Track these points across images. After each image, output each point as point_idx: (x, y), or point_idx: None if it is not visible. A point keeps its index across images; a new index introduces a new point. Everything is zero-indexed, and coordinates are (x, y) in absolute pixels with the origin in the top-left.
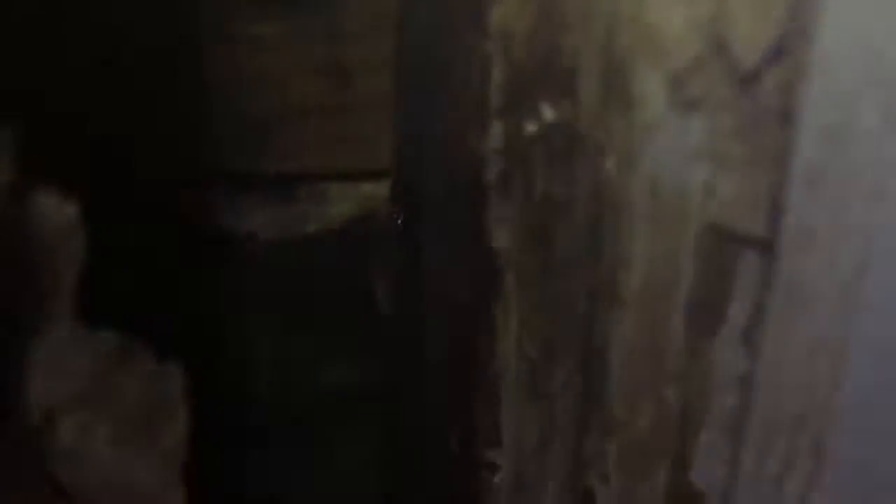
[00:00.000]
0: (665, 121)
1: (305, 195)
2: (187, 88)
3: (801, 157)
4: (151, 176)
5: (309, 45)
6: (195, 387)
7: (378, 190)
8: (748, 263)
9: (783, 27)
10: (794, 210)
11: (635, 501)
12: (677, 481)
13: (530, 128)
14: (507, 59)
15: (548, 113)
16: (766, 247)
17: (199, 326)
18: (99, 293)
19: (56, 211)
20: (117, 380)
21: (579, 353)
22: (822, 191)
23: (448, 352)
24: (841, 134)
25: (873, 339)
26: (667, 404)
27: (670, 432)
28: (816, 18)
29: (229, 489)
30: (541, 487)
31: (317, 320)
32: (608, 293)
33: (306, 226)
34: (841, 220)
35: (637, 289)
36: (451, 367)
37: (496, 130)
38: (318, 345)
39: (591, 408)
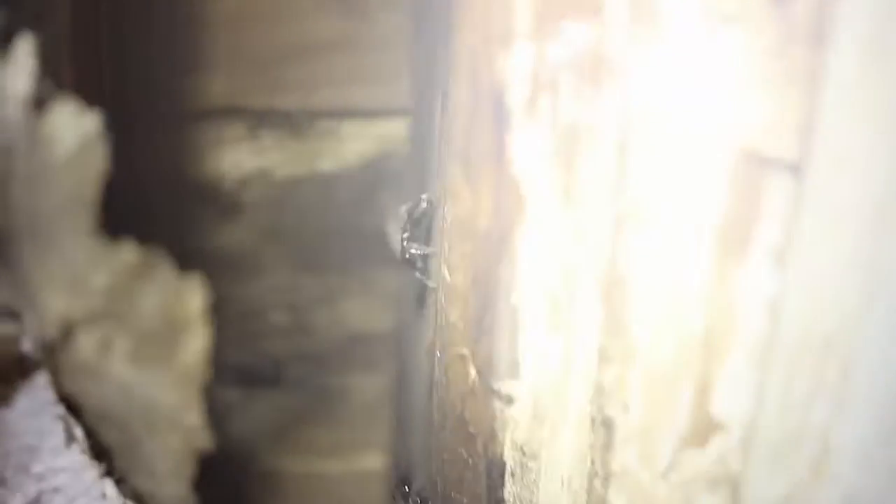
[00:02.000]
0: (696, 39)
1: (320, 133)
2: (202, 23)
3: (834, 76)
4: (167, 110)
5: None
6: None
7: (394, 129)
8: (779, 185)
9: None
10: (826, 130)
11: (656, 431)
12: (700, 411)
13: (556, 51)
14: None
15: (574, 35)
16: (798, 168)
17: (214, 264)
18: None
19: (76, 122)
20: (137, 294)
21: (602, 282)
22: (856, 110)
23: (470, 282)
24: (875, 52)
25: None
26: (691, 331)
27: (694, 360)
28: None
29: (242, 427)
30: (560, 419)
31: (331, 259)
32: (635, 217)
33: (321, 164)
34: (874, 139)
35: (665, 211)
36: (471, 298)
37: (522, 54)
38: (332, 283)
39: (613, 337)
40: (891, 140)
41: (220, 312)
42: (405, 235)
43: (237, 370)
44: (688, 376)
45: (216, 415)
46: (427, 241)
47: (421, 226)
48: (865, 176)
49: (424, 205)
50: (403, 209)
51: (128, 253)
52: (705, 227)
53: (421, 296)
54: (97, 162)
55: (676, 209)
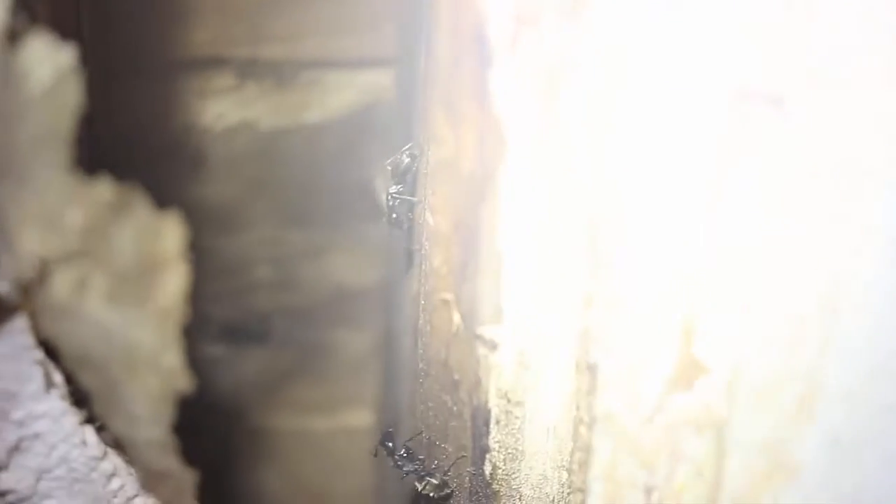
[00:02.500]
0: None
1: (305, 83)
2: None
3: None
4: (149, 58)
5: None
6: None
7: (380, 79)
8: (763, 119)
9: None
10: None
11: (640, 373)
12: (684, 354)
13: None
14: None
15: None
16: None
17: (197, 217)
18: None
19: (51, 56)
20: (113, 233)
21: (587, 223)
22: None
23: (452, 226)
24: None
25: None
26: (677, 273)
27: (679, 303)
28: None
29: (228, 383)
30: (544, 365)
31: (317, 212)
32: (619, 155)
33: (306, 115)
34: None
35: (651, 149)
36: (454, 242)
37: None
38: (318, 237)
39: (598, 279)
40: None
41: (204, 267)
42: (390, 192)
43: (223, 326)
44: (673, 319)
45: (202, 371)
46: (412, 195)
47: (406, 181)
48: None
49: (407, 159)
50: (387, 165)
51: (104, 190)
52: (692, 164)
53: (410, 253)
54: (73, 96)
55: (662, 145)
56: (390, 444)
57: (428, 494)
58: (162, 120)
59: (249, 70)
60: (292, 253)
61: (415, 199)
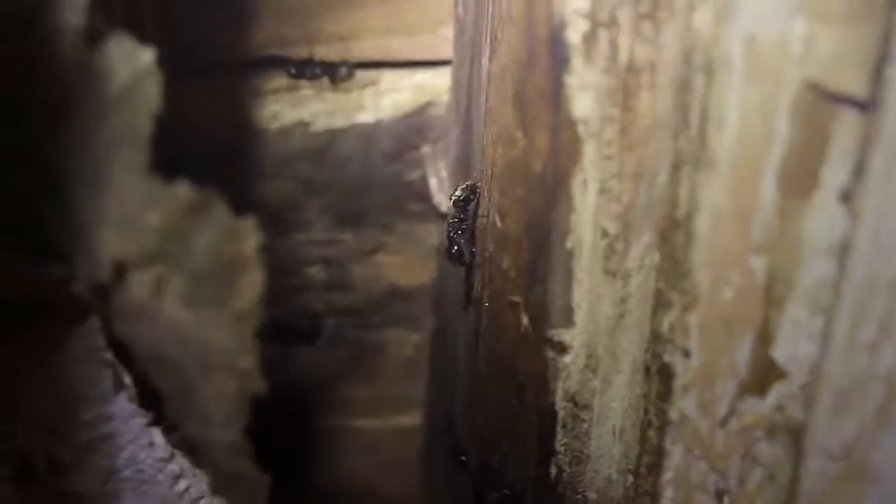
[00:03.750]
0: None
1: (360, 83)
2: None
3: None
4: (207, 58)
5: None
6: None
7: (435, 79)
8: (848, 122)
9: None
10: None
11: (715, 376)
12: (760, 357)
13: None
14: None
15: None
16: (868, 104)
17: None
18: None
19: (130, 56)
20: (191, 235)
21: (659, 226)
22: None
23: (522, 228)
24: None
25: None
26: (753, 275)
27: (755, 305)
28: None
29: (281, 382)
30: (613, 367)
31: (370, 212)
32: (696, 157)
33: (361, 115)
34: None
35: (728, 151)
36: (524, 244)
37: None
38: (371, 237)
39: (671, 281)
40: None
41: None
42: (450, 228)
43: (274, 326)
44: (749, 322)
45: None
46: (472, 231)
47: (466, 214)
48: None
49: (467, 192)
50: (449, 198)
51: (182, 192)
52: (769, 167)
53: (470, 287)
54: (151, 98)
55: (739, 150)
56: (464, 458)
57: None
58: (219, 120)
59: (304, 70)
60: (345, 253)
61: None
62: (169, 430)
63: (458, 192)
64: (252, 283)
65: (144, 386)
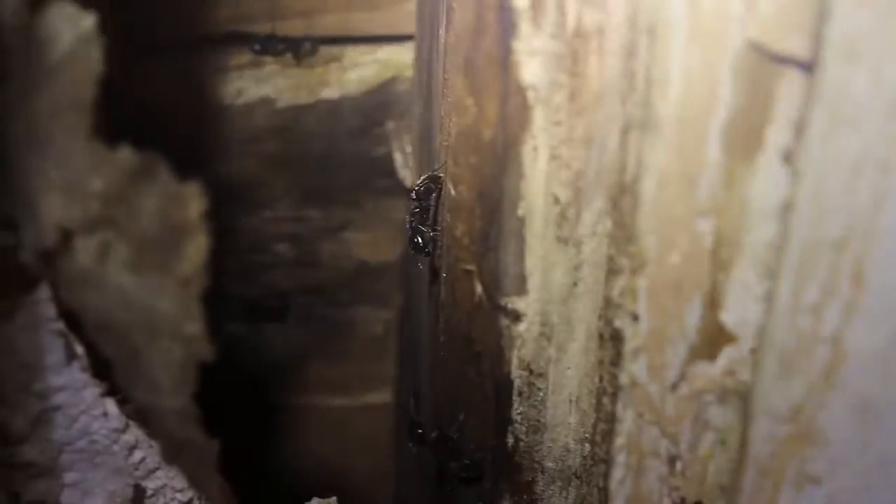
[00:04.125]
0: None
1: (324, 59)
2: None
3: None
4: (169, 34)
5: None
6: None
7: (399, 54)
8: (789, 83)
9: None
10: (838, 22)
11: (664, 341)
12: (709, 321)
13: None
14: None
15: None
16: (809, 65)
17: (215, 194)
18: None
19: (73, 22)
20: (135, 200)
21: (610, 191)
22: (870, 4)
23: (475, 196)
24: None
25: None
26: (700, 238)
27: (703, 269)
28: None
29: (248, 360)
30: (568, 335)
31: (336, 189)
32: (642, 121)
33: (325, 91)
34: (889, 34)
35: (673, 113)
36: (477, 212)
37: None
38: (337, 214)
39: (620, 246)
40: None
41: (223, 245)
42: (412, 218)
43: (242, 303)
44: (697, 286)
45: (221, 349)
46: (434, 221)
47: (428, 205)
48: (879, 73)
49: (428, 182)
50: (412, 189)
51: (125, 157)
52: (714, 130)
53: (435, 274)
54: (94, 63)
55: (684, 112)
56: (420, 432)
57: (459, 475)
58: (182, 96)
59: (268, 46)
60: (311, 230)
61: (437, 228)
62: (122, 402)
63: (419, 182)
64: (197, 249)
65: (95, 355)
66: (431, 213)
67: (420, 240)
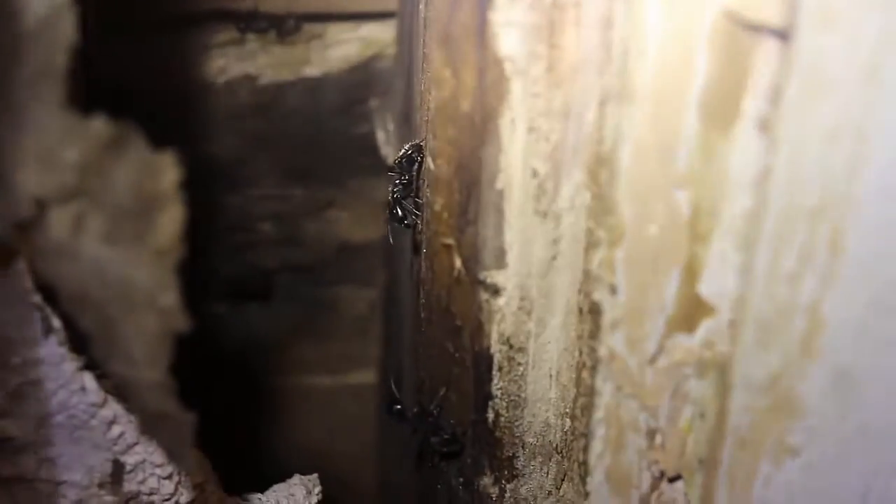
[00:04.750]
0: None
1: (307, 36)
2: None
3: None
4: (151, 11)
5: None
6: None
7: (381, 31)
8: (765, 51)
9: None
10: None
11: (643, 314)
12: (687, 292)
13: None
14: None
15: None
16: (784, 33)
17: (198, 173)
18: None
19: None
20: (109, 170)
21: (588, 164)
22: None
23: (454, 169)
24: None
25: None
26: (677, 209)
27: (680, 240)
28: None
29: (232, 340)
30: (548, 309)
31: (319, 167)
32: (619, 91)
33: (307, 68)
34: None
35: (649, 83)
36: (455, 185)
37: None
38: (321, 192)
39: (599, 219)
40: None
41: (205, 224)
42: (394, 189)
43: (226, 283)
44: (675, 257)
45: (206, 329)
46: (416, 193)
47: (410, 177)
48: (854, 40)
49: (410, 152)
50: (393, 163)
51: (99, 126)
52: (690, 100)
53: (417, 247)
54: (67, 31)
55: (660, 82)
56: (398, 407)
57: (439, 450)
58: (165, 73)
59: (252, 23)
60: (295, 209)
61: (419, 199)
62: (101, 377)
63: (401, 153)
64: (172, 219)
65: (73, 329)
66: (414, 184)
67: (400, 211)
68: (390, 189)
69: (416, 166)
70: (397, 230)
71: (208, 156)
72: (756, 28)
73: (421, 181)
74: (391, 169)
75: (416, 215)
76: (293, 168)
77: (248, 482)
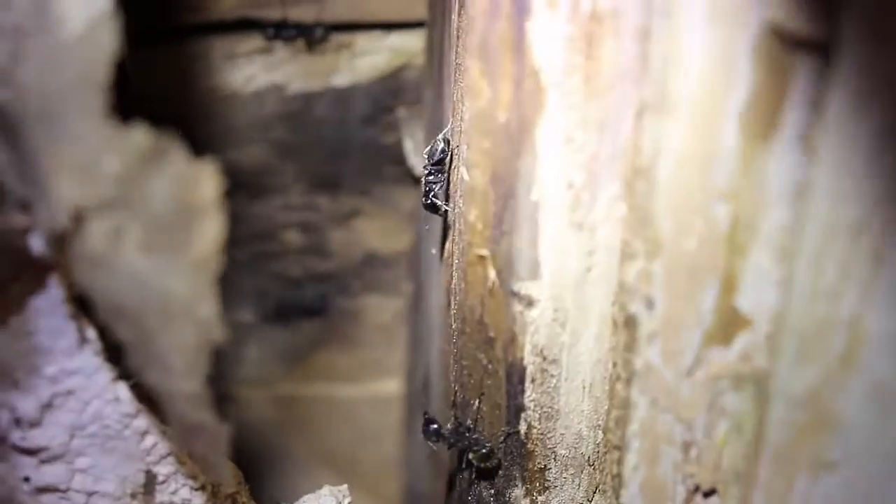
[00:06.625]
0: None
1: (335, 46)
2: None
3: None
4: (181, 21)
5: None
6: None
7: (410, 41)
8: (807, 64)
9: None
10: (855, 3)
11: (680, 326)
12: (724, 305)
13: None
14: None
15: None
16: (825, 46)
17: (228, 180)
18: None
19: (87, 1)
20: (149, 180)
21: (625, 175)
22: None
23: (488, 180)
24: None
25: None
26: (716, 222)
27: (718, 253)
28: None
29: (257, 351)
30: (582, 320)
31: (347, 176)
32: (658, 104)
33: (336, 78)
34: None
35: (689, 95)
36: (490, 196)
37: None
38: (347, 202)
39: (635, 231)
40: None
41: (232, 233)
42: (426, 177)
43: (251, 292)
44: (713, 270)
45: (231, 338)
46: (447, 182)
47: (441, 167)
48: (894, 53)
49: (442, 144)
50: (423, 153)
51: (139, 137)
52: (731, 111)
53: (446, 234)
54: (108, 42)
55: (701, 94)
56: (436, 427)
57: (478, 465)
58: (192, 82)
59: (281, 32)
60: (321, 218)
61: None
62: (134, 386)
63: (432, 145)
64: (211, 230)
65: (108, 339)
66: (445, 174)
67: (432, 200)
68: (423, 179)
69: (447, 158)
70: (425, 237)
71: (235, 165)
72: (799, 42)
73: (452, 171)
74: (425, 160)
75: (447, 204)
76: (320, 177)
77: (276, 493)
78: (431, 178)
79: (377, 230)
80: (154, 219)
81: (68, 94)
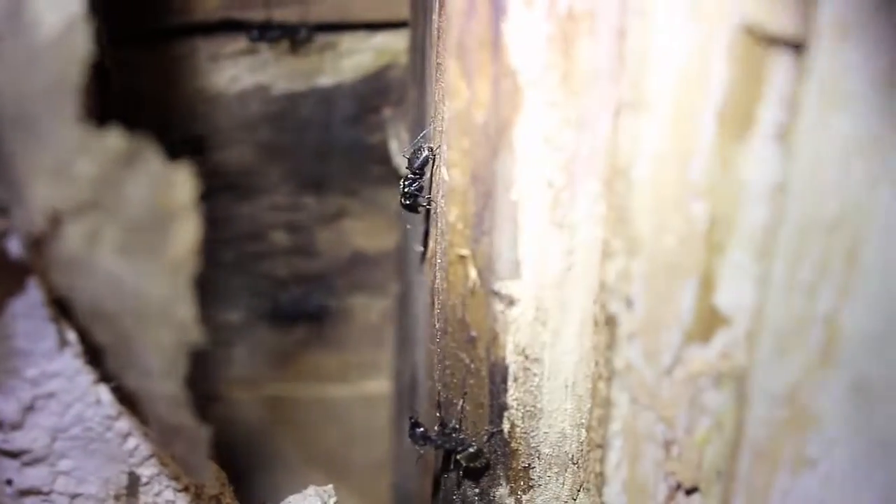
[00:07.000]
0: None
1: (319, 46)
2: None
3: None
4: (164, 22)
5: None
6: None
7: (394, 41)
8: (782, 62)
9: None
10: (830, 1)
11: (659, 325)
12: (703, 304)
13: None
14: None
15: None
16: (801, 45)
17: (211, 183)
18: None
19: (61, 4)
20: (124, 183)
21: (603, 174)
22: None
23: (468, 180)
24: None
25: None
26: (694, 220)
27: (697, 251)
28: None
29: (245, 351)
30: (563, 319)
31: (332, 177)
32: (635, 103)
33: (320, 78)
34: (881, 11)
35: (665, 95)
36: (470, 196)
37: None
38: (333, 202)
39: (615, 230)
40: None
41: (218, 234)
42: (405, 181)
43: (239, 293)
44: (691, 268)
45: (219, 339)
46: (429, 189)
47: (421, 170)
48: (871, 52)
49: (426, 153)
50: (403, 154)
51: (114, 140)
52: (707, 109)
53: (426, 237)
54: (82, 45)
55: (677, 93)
56: (422, 430)
57: (465, 465)
58: (176, 83)
59: (265, 33)
60: (308, 218)
61: (430, 193)
62: (116, 389)
63: (412, 148)
64: (187, 232)
65: (88, 342)
66: (424, 177)
67: (411, 199)
68: (402, 181)
69: (427, 161)
70: (411, 237)
71: (220, 166)
72: (775, 40)
73: (433, 175)
74: (405, 163)
75: (427, 202)
76: (306, 177)
77: (263, 494)
78: (409, 180)
79: (364, 230)
80: (130, 221)
81: (43, 97)
